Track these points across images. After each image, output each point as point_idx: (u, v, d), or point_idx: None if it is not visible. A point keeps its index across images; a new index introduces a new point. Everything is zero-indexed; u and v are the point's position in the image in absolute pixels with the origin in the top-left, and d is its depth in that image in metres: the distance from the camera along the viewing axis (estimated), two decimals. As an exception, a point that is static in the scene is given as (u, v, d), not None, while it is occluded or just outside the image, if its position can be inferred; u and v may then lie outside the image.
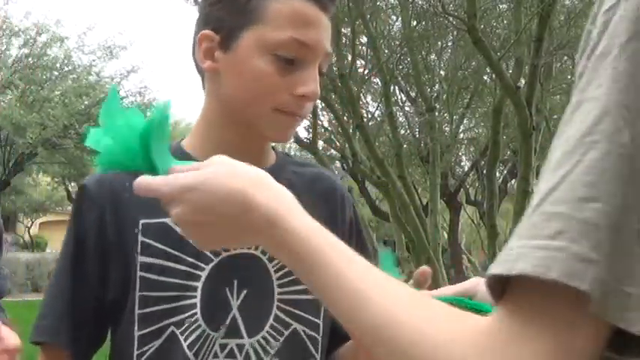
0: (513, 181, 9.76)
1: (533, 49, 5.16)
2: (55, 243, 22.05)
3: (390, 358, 0.53)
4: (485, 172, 6.86)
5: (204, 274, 0.99)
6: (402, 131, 9.02)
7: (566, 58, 7.22)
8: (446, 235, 11.04)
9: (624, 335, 0.45)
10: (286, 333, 1.03)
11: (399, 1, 6.85)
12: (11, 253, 21.21)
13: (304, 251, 0.62)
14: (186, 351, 0.98)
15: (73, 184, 22.21)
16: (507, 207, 10.62)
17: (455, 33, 7.05)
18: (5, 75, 16.11)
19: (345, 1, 6.42)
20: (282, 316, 1.03)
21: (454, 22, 5.83)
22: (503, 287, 0.48)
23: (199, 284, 0.99)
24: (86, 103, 16.80)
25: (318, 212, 1.07)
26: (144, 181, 0.71)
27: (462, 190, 11.02)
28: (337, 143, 9.61)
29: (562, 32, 6.27)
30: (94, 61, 18.04)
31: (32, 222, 27.08)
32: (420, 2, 6.84)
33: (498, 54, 5.33)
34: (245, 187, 0.66)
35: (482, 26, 5.76)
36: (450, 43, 7.88)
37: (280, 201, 0.67)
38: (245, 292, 1.00)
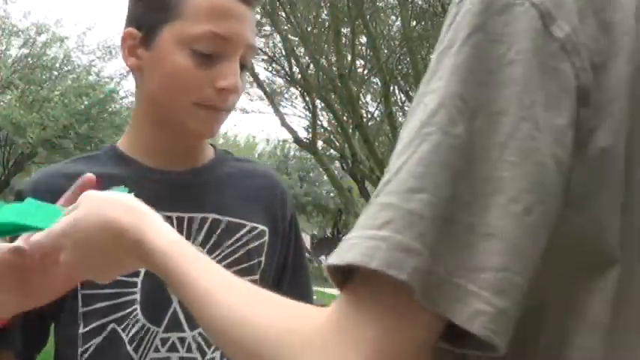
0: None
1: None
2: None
3: (240, 358, 0.55)
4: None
5: (142, 269, 0.99)
6: (402, 131, 9.02)
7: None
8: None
9: (458, 327, 0.45)
10: None
11: (398, 1, 6.85)
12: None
13: (166, 264, 0.65)
14: (127, 346, 0.98)
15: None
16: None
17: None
18: (5, 75, 16.12)
19: (345, 1, 6.44)
20: None
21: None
22: (344, 276, 0.49)
23: (139, 279, 1.00)
24: (86, 103, 16.81)
25: (258, 205, 1.11)
26: (31, 239, 0.76)
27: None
28: (337, 143, 9.62)
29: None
30: (93, 61, 18.06)
31: (32, 222, 27.05)
32: (419, 2, 6.85)
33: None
34: (112, 215, 0.70)
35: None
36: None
37: (143, 221, 0.70)
38: None
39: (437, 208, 0.45)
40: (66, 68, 17.74)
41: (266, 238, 1.09)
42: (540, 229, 0.45)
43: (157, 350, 0.99)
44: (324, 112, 9.13)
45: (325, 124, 9.61)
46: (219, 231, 1.05)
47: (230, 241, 1.05)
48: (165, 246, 0.66)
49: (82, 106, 16.59)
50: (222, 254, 1.04)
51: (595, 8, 0.50)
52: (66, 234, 0.72)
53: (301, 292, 1.13)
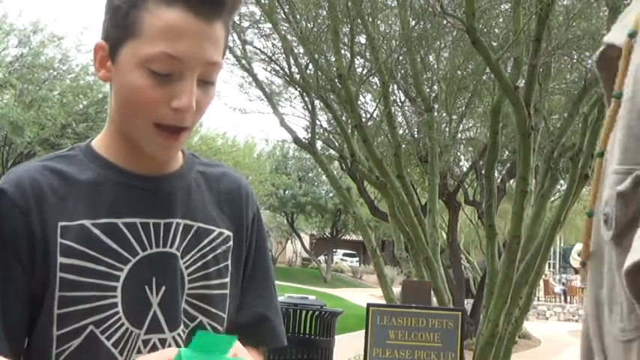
0: (512, 181, 9.76)
1: (531, 49, 5.15)
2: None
3: None
4: (483, 172, 6.86)
5: (123, 274, 1.02)
6: (401, 131, 9.01)
7: (565, 58, 7.22)
8: (444, 235, 11.02)
9: None
10: (191, 325, 1.07)
11: (397, 1, 6.84)
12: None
13: None
14: (111, 349, 1.00)
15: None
16: (506, 207, 10.61)
17: (454, 33, 7.05)
18: (2, 74, 16.07)
19: (344, 0, 6.42)
20: (189, 309, 1.07)
21: (452, 22, 5.82)
22: None
23: (119, 284, 1.01)
24: (84, 102, 16.79)
25: (224, 210, 1.14)
26: None
27: (460, 190, 11.02)
28: (336, 143, 9.60)
29: (560, 32, 6.26)
30: (91, 60, 18.00)
31: (30, 222, 27.02)
32: (420, 1, 6.83)
33: (497, 54, 5.32)
34: None
35: (480, 26, 5.75)
36: (448, 43, 7.87)
37: None
38: (164, 288, 1.04)
39: None
40: (64, 68, 17.70)
41: (230, 243, 1.12)
42: None
43: (139, 351, 1.02)
44: (323, 112, 9.11)
45: (324, 124, 9.60)
46: (190, 236, 1.08)
47: (200, 246, 1.08)
48: None
49: (80, 106, 16.57)
50: (192, 259, 1.07)
51: None
52: None
53: (265, 304, 1.17)
